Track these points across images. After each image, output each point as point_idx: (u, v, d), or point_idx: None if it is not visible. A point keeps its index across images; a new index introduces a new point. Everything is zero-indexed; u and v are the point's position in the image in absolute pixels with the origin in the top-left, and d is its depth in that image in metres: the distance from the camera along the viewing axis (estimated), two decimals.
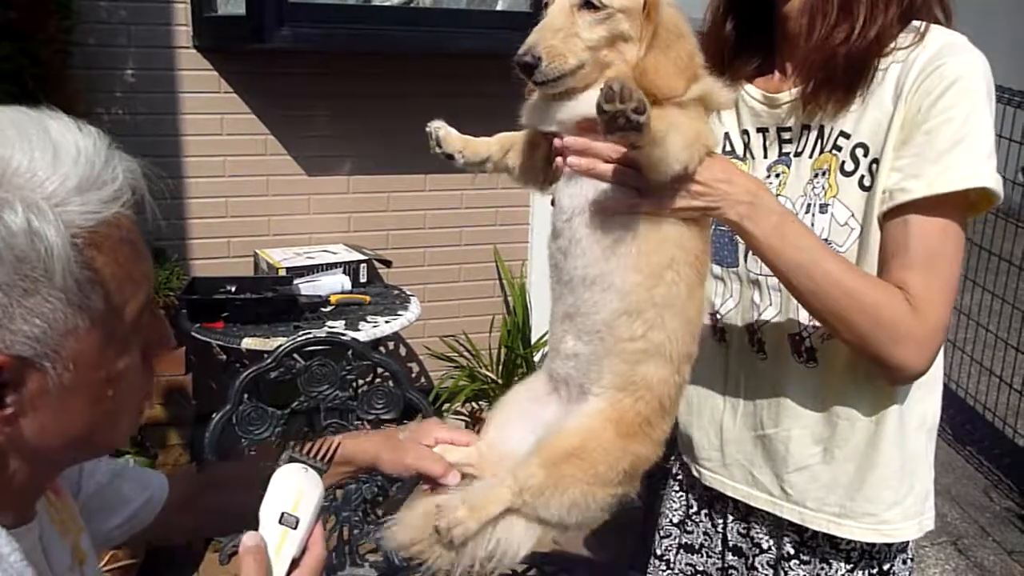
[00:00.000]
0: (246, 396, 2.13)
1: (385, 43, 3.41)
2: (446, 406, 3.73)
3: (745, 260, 1.48)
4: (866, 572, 1.49)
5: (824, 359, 1.42)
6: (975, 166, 1.26)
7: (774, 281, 1.44)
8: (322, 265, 3.42)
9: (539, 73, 1.19)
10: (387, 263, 3.64)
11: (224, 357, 3.47)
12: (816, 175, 1.41)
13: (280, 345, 2.21)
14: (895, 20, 1.33)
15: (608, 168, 1.19)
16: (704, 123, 1.24)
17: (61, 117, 0.88)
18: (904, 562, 1.52)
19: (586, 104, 1.20)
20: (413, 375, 3.98)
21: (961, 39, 1.31)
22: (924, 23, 1.33)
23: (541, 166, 1.35)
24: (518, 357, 3.76)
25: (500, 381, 3.76)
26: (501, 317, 4.03)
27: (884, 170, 1.32)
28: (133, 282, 0.89)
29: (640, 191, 1.21)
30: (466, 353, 3.91)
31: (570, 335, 1.31)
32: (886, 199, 1.31)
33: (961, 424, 4.16)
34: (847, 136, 1.38)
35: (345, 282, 3.40)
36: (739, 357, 1.54)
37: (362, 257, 3.53)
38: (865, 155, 1.36)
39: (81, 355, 0.85)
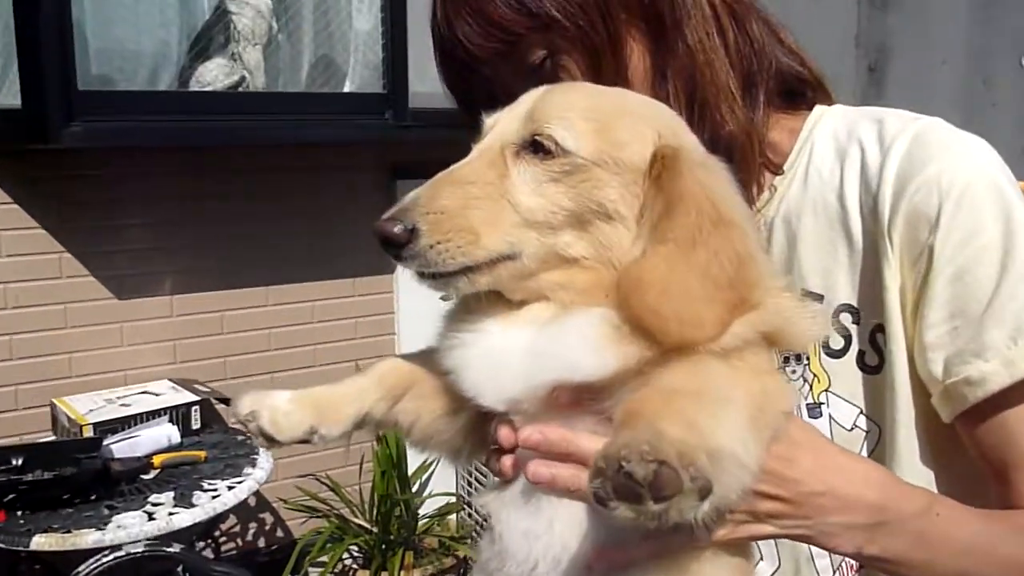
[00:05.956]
0: None
1: (203, 135, 2.87)
2: (318, 571, 3.06)
3: None
4: None
5: None
6: None
7: None
8: (141, 414, 2.71)
9: (411, 256, 0.69)
10: (225, 401, 2.97)
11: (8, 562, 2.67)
12: (786, 361, 0.97)
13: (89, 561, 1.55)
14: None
15: None
16: (769, 374, 0.76)
17: None
18: None
19: (560, 359, 0.70)
20: (266, 529, 3.29)
21: (934, 122, 0.91)
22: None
23: (463, 441, 0.86)
24: (394, 503, 3.14)
25: (376, 530, 3.12)
26: (370, 446, 3.41)
27: (898, 341, 0.89)
28: None
29: None
30: (331, 499, 3.26)
31: None
32: (949, 397, 0.87)
33: None
34: (819, 297, 0.94)
35: (172, 434, 2.70)
36: None
37: (193, 398, 2.85)
38: (856, 321, 0.93)
39: None
